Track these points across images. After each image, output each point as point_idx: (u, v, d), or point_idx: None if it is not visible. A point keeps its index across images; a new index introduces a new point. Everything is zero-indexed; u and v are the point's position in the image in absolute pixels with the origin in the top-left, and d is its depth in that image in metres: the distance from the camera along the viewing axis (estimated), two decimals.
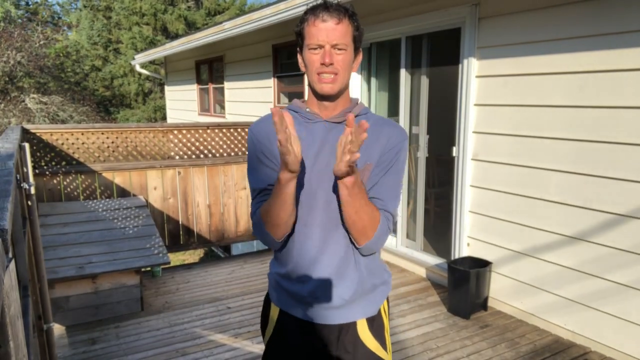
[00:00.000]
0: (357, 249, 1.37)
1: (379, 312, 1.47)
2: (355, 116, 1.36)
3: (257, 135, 1.40)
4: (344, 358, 1.42)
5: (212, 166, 5.11)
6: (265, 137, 1.38)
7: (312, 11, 1.30)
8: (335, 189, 1.29)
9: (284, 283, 1.45)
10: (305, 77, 1.37)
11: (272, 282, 1.52)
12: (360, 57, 1.38)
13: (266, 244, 1.39)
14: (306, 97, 1.43)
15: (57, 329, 3.36)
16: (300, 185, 1.31)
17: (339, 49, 1.28)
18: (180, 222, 5.03)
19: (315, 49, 1.28)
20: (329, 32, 1.26)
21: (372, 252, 1.40)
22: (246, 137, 5.30)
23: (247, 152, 1.39)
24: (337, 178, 1.20)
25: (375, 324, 1.46)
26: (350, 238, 1.36)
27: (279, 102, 6.65)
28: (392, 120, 1.45)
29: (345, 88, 1.36)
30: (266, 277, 4.41)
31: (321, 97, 1.35)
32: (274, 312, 1.50)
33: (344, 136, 1.12)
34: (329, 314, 1.40)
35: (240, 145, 5.29)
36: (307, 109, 1.38)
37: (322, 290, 1.38)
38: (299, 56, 1.38)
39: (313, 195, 1.34)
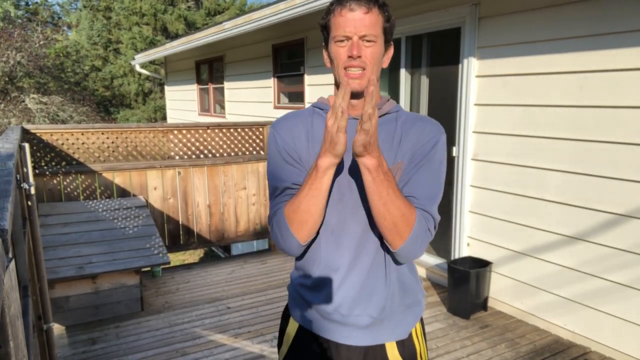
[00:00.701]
0: (391, 255, 1.24)
1: (410, 336, 1.34)
2: (385, 114, 1.28)
3: (280, 132, 1.29)
4: None
5: (212, 166, 5.11)
6: (289, 135, 1.28)
7: (339, 0, 1.19)
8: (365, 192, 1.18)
9: (308, 295, 1.32)
10: (331, 74, 1.28)
11: (292, 295, 1.40)
12: (391, 51, 1.28)
13: (286, 249, 1.25)
14: (332, 93, 1.32)
15: (57, 329, 3.36)
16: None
17: (368, 41, 1.17)
18: (180, 222, 5.03)
19: (342, 41, 1.18)
20: (356, 22, 1.16)
21: (410, 259, 1.23)
22: (246, 137, 5.30)
23: (267, 151, 1.34)
24: (356, 156, 1.10)
25: (407, 350, 1.31)
26: (382, 245, 1.23)
27: (278, 102, 6.65)
28: (427, 117, 1.32)
29: (382, 100, 1.26)
30: (266, 277, 4.42)
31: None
32: (292, 328, 1.37)
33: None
34: (354, 334, 1.28)
35: (240, 146, 5.29)
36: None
37: (349, 306, 1.26)
38: (324, 52, 1.28)
39: (342, 198, 1.23)
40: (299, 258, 1.33)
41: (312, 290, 1.31)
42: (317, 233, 1.25)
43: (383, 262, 1.25)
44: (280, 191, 1.27)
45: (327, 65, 1.27)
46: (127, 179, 4.72)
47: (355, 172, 1.20)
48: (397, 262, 1.28)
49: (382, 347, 1.29)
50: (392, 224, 1.14)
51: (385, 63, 1.27)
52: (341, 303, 1.26)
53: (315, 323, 1.31)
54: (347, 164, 1.23)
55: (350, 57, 1.17)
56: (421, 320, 1.39)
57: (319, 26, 1.27)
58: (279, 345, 1.44)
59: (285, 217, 1.20)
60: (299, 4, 4.52)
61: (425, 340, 1.41)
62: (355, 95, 1.23)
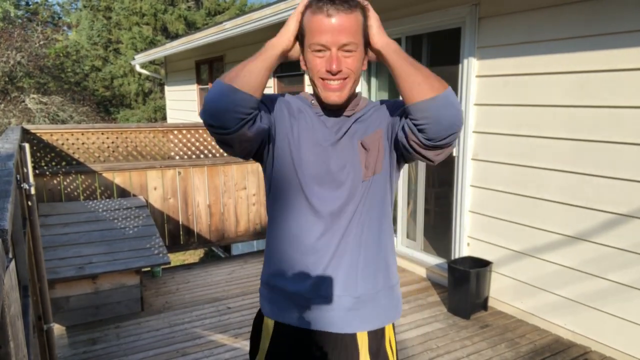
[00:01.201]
0: (376, 234, 1.22)
1: (384, 346, 1.29)
2: (363, 115, 1.25)
3: (287, 101, 1.27)
4: None
5: (212, 166, 5.11)
6: (292, 107, 1.25)
7: (315, 1, 1.09)
8: (351, 177, 1.18)
9: (280, 282, 1.27)
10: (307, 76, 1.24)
11: (264, 292, 1.34)
12: (370, 52, 1.19)
13: (233, 104, 1.07)
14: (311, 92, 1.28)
15: (57, 329, 3.36)
16: (315, 170, 1.19)
17: (347, 51, 1.08)
18: (180, 222, 5.03)
19: (318, 51, 1.08)
20: (334, 30, 1.05)
21: (440, 122, 1.07)
22: None
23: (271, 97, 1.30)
24: (381, 45, 1.09)
25: (377, 344, 1.28)
26: (368, 221, 1.21)
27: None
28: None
29: (354, 95, 1.20)
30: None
31: (326, 106, 1.19)
32: (268, 326, 1.31)
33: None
34: (329, 318, 1.23)
35: None
36: (313, 102, 1.25)
37: (325, 287, 1.21)
38: (300, 57, 1.20)
39: (325, 181, 1.20)
40: (274, 250, 1.28)
41: (283, 276, 1.25)
42: (296, 213, 1.21)
43: (363, 251, 1.22)
44: None
45: (303, 68, 1.17)
46: (127, 179, 4.72)
47: (337, 154, 1.20)
48: (381, 244, 1.26)
49: (353, 339, 1.24)
50: (424, 77, 1.09)
51: (365, 66, 1.18)
52: (315, 284, 1.21)
53: (289, 312, 1.26)
54: (329, 148, 1.21)
55: (328, 71, 1.08)
56: (393, 326, 1.34)
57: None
58: (253, 354, 1.37)
59: (228, 73, 1.12)
60: (298, 4, 4.51)
61: (397, 353, 1.36)
62: (335, 108, 1.20)
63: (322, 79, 1.10)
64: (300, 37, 1.15)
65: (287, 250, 1.25)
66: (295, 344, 1.27)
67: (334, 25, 1.05)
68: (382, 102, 1.30)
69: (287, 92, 1.31)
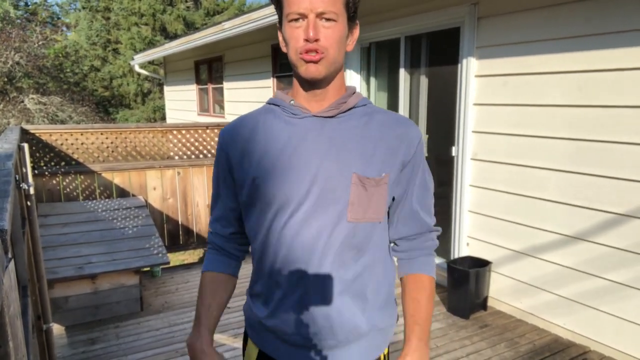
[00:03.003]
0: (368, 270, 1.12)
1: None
2: (352, 108, 1.09)
3: (225, 145, 1.16)
4: None
5: (211, 166, 5.11)
6: (230, 147, 1.14)
7: None
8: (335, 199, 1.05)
9: (262, 315, 1.16)
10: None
11: (247, 314, 1.24)
12: (357, 31, 1.08)
13: None
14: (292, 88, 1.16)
15: (57, 329, 3.36)
16: (290, 194, 1.06)
17: (327, 20, 0.99)
18: (179, 222, 5.03)
19: (296, 19, 0.99)
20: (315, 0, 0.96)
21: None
22: None
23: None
24: None
25: None
26: (359, 255, 1.10)
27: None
28: (401, 116, 1.15)
29: (336, 70, 1.06)
30: None
31: (307, 82, 1.05)
32: (252, 353, 1.22)
33: None
34: (308, 356, 1.12)
35: None
36: (292, 101, 1.10)
37: (313, 326, 1.09)
38: (279, 33, 1.09)
39: (301, 221, 1.07)
40: (255, 275, 1.20)
41: (275, 318, 1.14)
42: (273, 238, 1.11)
43: (360, 280, 1.11)
44: (213, 210, 1.25)
45: (283, 50, 1.07)
46: (127, 179, 4.72)
47: (324, 172, 1.05)
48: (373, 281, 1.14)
49: None
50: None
51: (350, 46, 1.07)
52: (302, 325, 1.10)
53: (274, 348, 1.16)
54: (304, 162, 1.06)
55: (306, 40, 0.98)
56: (387, 349, 1.24)
57: (271, 1, 1.09)
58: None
59: (201, 277, 1.24)
60: None
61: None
62: (315, 83, 1.05)
63: (300, 53, 1.00)
64: (278, 12, 1.06)
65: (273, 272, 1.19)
66: None
67: None
68: (392, 119, 1.12)
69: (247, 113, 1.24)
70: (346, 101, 1.09)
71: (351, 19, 1.04)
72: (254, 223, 1.13)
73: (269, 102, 1.16)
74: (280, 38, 1.08)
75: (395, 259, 1.23)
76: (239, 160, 1.12)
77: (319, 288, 1.07)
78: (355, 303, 1.10)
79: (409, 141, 1.10)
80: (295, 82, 1.10)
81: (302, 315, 1.09)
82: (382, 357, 1.21)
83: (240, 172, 1.12)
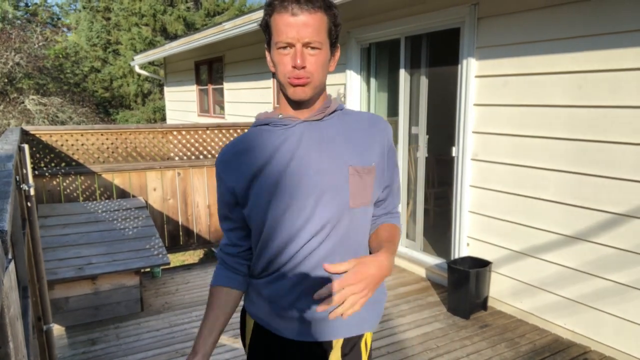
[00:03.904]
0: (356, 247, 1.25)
1: (359, 343, 1.28)
2: (334, 111, 1.24)
3: (224, 175, 1.24)
4: None
5: (211, 167, 5.11)
6: (235, 175, 1.22)
7: (280, 1, 1.10)
8: (333, 195, 1.17)
9: (264, 290, 1.28)
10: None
11: (248, 291, 1.39)
12: (337, 53, 1.20)
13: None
14: (277, 104, 1.29)
15: (57, 329, 3.36)
16: (291, 192, 1.17)
17: (313, 48, 1.10)
18: (179, 223, 5.03)
19: (284, 47, 1.10)
20: (299, 27, 1.07)
21: None
22: None
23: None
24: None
25: (352, 356, 1.27)
26: (353, 237, 1.22)
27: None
28: (373, 114, 1.32)
29: (321, 89, 1.20)
30: None
31: (295, 102, 1.19)
32: (249, 325, 1.36)
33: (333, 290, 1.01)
34: (306, 329, 1.24)
35: None
36: (280, 115, 1.22)
37: (303, 298, 1.21)
38: (267, 54, 1.19)
39: (306, 201, 1.18)
40: (258, 257, 1.28)
41: (269, 284, 1.26)
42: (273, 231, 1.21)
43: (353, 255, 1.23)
44: (224, 226, 1.33)
45: (271, 70, 1.19)
46: (127, 180, 4.72)
47: (321, 167, 1.18)
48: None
49: (328, 344, 1.25)
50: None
51: (332, 67, 1.20)
52: (296, 297, 1.22)
53: (268, 319, 1.29)
54: (305, 162, 1.18)
55: (294, 67, 1.10)
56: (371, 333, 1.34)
57: (260, 25, 1.18)
58: (243, 343, 1.44)
59: (209, 291, 1.34)
60: None
61: (371, 354, 1.36)
62: (302, 102, 1.18)
63: (289, 77, 1.12)
64: (267, 36, 1.17)
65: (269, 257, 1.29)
66: (271, 344, 1.31)
67: (298, 22, 1.08)
68: (366, 117, 1.28)
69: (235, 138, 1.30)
70: (329, 106, 1.23)
71: (333, 44, 1.17)
72: (263, 219, 1.21)
73: (258, 125, 1.26)
74: (269, 59, 1.19)
75: None
76: (244, 185, 1.22)
77: (318, 270, 1.20)
78: None
79: (383, 134, 1.27)
80: (282, 98, 1.22)
81: (299, 293, 1.22)
82: (366, 337, 1.30)
83: (248, 195, 1.22)
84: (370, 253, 1.29)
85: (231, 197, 1.25)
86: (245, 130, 5.34)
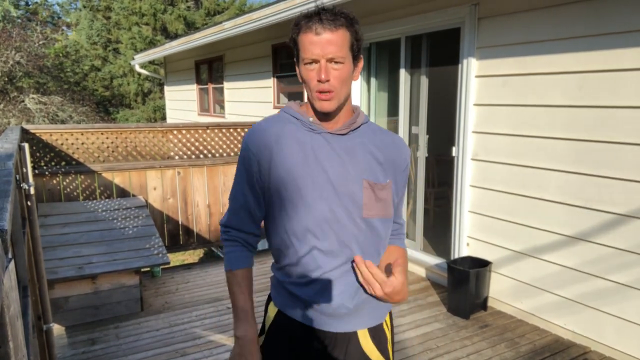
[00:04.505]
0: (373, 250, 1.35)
1: (382, 325, 1.40)
2: (358, 127, 1.34)
3: (254, 148, 1.31)
4: None
5: (211, 166, 5.11)
6: (265, 149, 1.29)
7: (306, 21, 1.21)
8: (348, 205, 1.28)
9: (295, 290, 1.36)
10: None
11: (273, 282, 1.46)
12: (361, 64, 1.31)
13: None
14: (304, 100, 1.37)
15: (57, 329, 3.36)
16: (304, 189, 1.26)
17: (336, 63, 1.21)
18: (179, 222, 5.03)
19: (310, 63, 1.22)
20: (323, 45, 1.18)
21: None
22: None
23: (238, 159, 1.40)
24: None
25: (378, 336, 1.38)
26: (366, 240, 1.32)
27: (278, 102, 6.65)
28: (397, 136, 1.43)
29: (345, 101, 1.30)
30: (266, 277, 4.41)
31: (321, 113, 1.29)
32: (272, 312, 1.42)
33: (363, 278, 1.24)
34: (329, 322, 1.33)
35: (240, 146, 5.28)
36: (311, 119, 1.31)
37: (325, 296, 1.30)
38: (296, 68, 1.30)
39: (328, 213, 1.27)
40: (282, 259, 1.37)
41: (288, 278, 1.36)
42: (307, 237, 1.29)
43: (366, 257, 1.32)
44: (234, 209, 1.38)
45: (300, 81, 1.29)
46: (127, 179, 4.72)
47: (340, 181, 1.27)
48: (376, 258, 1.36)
49: (354, 335, 1.34)
50: None
51: (356, 77, 1.30)
52: (316, 294, 1.31)
53: (292, 309, 1.36)
54: (327, 174, 1.27)
55: (319, 81, 1.21)
56: (390, 312, 1.46)
57: (290, 42, 1.28)
58: (261, 332, 1.48)
59: (228, 274, 1.38)
60: (298, 4, 4.52)
61: (393, 330, 1.48)
62: (329, 114, 1.28)
63: (316, 90, 1.23)
64: (295, 51, 1.27)
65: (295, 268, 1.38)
66: (293, 334, 1.37)
67: (322, 40, 1.19)
68: (389, 136, 1.40)
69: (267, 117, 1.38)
70: (355, 121, 1.33)
71: (355, 57, 1.26)
72: (285, 218, 1.31)
73: (288, 113, 1.34)
74: (298, 72, 1.29)
75: None
76: (267, 167, 1.29)
77: (347, 272, 1.30)
78: None
79: (403, 158, 1.39)
80: (309, 104, 1.32)
81: (322, 289, 1.31)
82: (385, 323, 1.42)
83: (270, 178, 1.30)
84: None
85: (256, 165, 1.30)
86: (246, 130, 5.34)
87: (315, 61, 1.21)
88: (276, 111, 6.68)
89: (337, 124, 1.31)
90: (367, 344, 1.35)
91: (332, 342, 1.33)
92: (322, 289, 1.31)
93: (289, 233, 1.30)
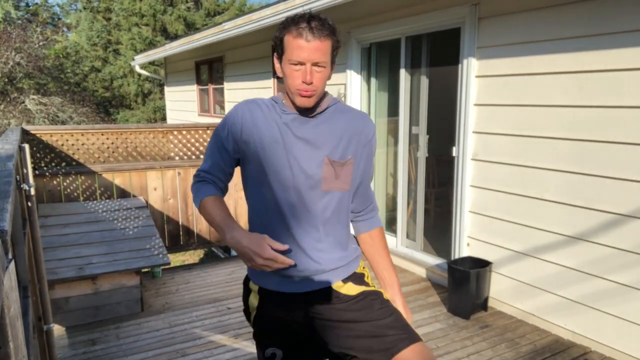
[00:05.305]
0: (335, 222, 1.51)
1: (354, 273, 1.56)
2: (325, 109, 1.48)
3: (242, 119, 1.45)
4: (330, 313, 1.47)
5: None
6: (251, 123, 1.44)
7: (295, 25, 1.32)
8: (314, 177, 1.43)
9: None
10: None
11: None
12: (335, 65, 1.45)
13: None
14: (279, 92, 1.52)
15: (57, 329, 3.36)
16: (276, 177, 1.42)
17: (319, 66, 1.34)
18: (180, 223, 5.03)
19: (295, 64, 1.34)
20: (311, 51, 1.32)
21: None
22: None
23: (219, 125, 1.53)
24: None
25: (353, 277, 1.54)
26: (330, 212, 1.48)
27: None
28: (361, 111, 1.57)
29: (322, 97, 1.46)
30: None
31: (300, 107, 1.43)
32: (254, 288, 1.54)
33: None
34: (304, 284, 1.47)
35: None
36: (283, 101, 1.46)
37: (300, 264, 1.44)
38: (275, 61, 1.42)
39: (290, 189, 1.42)
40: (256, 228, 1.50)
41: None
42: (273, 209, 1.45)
43: (329, 232, 1.49)
44: (207, 169, 1.50)
45: (279, 74, 1.43)
46: (127, 179, 4.72)
47: (305, 162, 1.42)
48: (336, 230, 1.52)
49: (329, 288, 1.49)
50: None
51: (330, 76, 1.45)
52: (297, 265, 1.45)
53: (268, 280, 1.48)
54: (291, 150, 1.42)
55: (304, 82, 1.34)
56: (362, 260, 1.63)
57: (274, 39, 1.39)
58: (247, 314, 1.60)
59: (200, 205, 1.45)
60: (298, 5, 4.52)
61: (368, 269, 1.64)
62: (305, 110, 1.44)
63: (299, 89, 1.36)
64: (279, 49, 1.39)
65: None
66: (280, 301, 1.49)
67: (310, 47, 1.32)
68: (353, 113, 1.54)
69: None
70: (320, 104, 1.46)
71: (333, 61, 1.41)
72: (257, 189, 1.47)
73: (273, 99, 1.50)
74: (278, 66, 1.42)
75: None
76: (247, 137, 1.44)
77: (308, 237, 1.46)
78: (334, 244, 1.51)
79: (366, 133, 1.52)
80: (287, 95, 1.45)
81: (295, 257, 1.44)
82: (360, 268, 1.58)
83: (246, 146, 1.45)
84: (367, 256, 1.65)
85: (233, 143, 1.46)
86: None
87: (302, 63, 1.33)
88: None
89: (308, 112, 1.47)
90: (344, 287, 1.50)
91: (311, 299, 1.47)
92: (295, 259, 1.44)
93: (262, 201, 1.47)
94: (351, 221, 1.63)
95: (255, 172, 1.46)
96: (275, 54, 1.43)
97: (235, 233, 1.33)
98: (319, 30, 1.32)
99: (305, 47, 1.31)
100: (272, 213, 1.45)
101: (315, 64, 1.34)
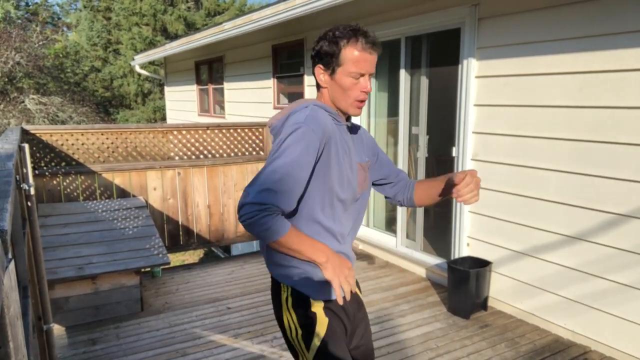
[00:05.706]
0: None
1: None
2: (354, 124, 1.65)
3: (327, 136, 1.42)
4: (361, 307, 1.71)
5: (211, 167, 5.11)
6: (332, 140, 1.46)
7: (355, 38, 1.42)
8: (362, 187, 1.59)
9: (309, 270, 1.50)
10: (322, 88, 1.55)
11: (302, 281, 1.51)
12: None
13: (259, 235, 1.32)
14: (318, 100, 1.58)
15: (57, 329, 3.36)
16: (349, 187, 1.52)
17: (370, 76, 1.49)
18: (180, 223, 5.03)
19: (356, 77, 1.44)
20: (372, 64, 1.46)
21: None
22: (245, 137, 5.30)
23: (289, 140, 1.37)
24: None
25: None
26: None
27: (278, 102, 6.65)
28: (356, 124, 1.73)
29: None
30: (266, 277, 4.41)
31: (345, 113, 1.54)
32: (318, 306, 1.51)
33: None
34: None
35: (239, 146, 5.29)
36: (340, 115, 1.55)
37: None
38: (320, 70, 1.48)
39: (355, 195, 1.56)
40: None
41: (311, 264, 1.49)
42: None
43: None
44: (279, 189, 1.30)
45: (323, 85, 1.50)
46: (127, 179, 4.72)
47: (358, 169, 1.58)
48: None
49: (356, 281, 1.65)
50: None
51: None
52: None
53: (331, 289, 1.52)
54: (353, 162, 1.56)
55: (364, 92, 1.46)
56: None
57: (324, 51, 1.45)
58: (308, 337, 1.50)
59: (285, 237, 1.32)
60: (298, 5, 4.52)
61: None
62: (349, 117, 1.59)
63: (358, 99, 1.47)
64: (333, 61, 1.45)
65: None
66: (341, 307, 1.57)
67: (373, 60, 1.46)
68: (358, 125, 1.70)
69: (311, 118, 1.43)
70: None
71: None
72: (329, 200, 1.49)
73: (323, 107, 1.48)
74: (326, 78, 1.48)
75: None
76: (333, 152, 1.45)
77: (352, 239, 1.65)
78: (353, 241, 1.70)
79: (371, 138, 1.74)
80: (332, 104, 1.52)
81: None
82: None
83: (332, 162, 1.45)
84: (423, 196, 1.70)
85: (316, 154, 1.39)
86: (246, 130, 5.33)
87: (362, 75, 1.45)
88: (276, 112, 6.65)
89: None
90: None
91: (356, 296, 1.68)
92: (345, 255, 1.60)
93: (331, 209, 1.53)
94: (399, 191, 1.75)
95: (329, 185, 1.45)
96: (320, 65, 1.48)
97: (330, 251, 1.40)
98: (377, 44, 1.47)
99: (369, 60, 1.44)
100: (342, 220, 1.54)
101: (370, 75, 1.48)
